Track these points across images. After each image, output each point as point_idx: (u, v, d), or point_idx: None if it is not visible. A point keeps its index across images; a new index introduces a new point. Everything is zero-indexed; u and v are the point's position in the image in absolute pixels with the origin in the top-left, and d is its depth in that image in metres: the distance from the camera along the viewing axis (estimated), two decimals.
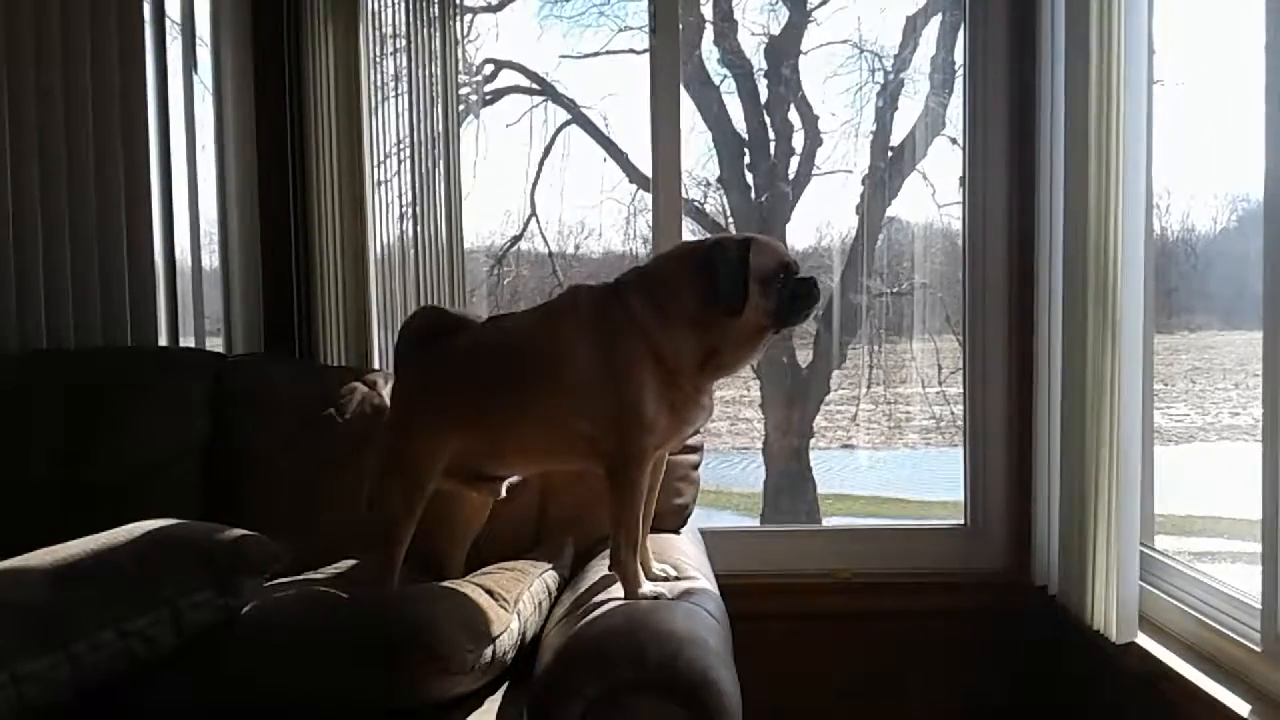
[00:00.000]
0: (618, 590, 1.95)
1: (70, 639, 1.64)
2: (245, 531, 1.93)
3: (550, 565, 2.15)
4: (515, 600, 1.93)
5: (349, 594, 2.04)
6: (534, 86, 3.55)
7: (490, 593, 1.91)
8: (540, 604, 2.03)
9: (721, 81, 3.56)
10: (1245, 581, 2.13)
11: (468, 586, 1.92)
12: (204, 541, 1.89)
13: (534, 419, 2.03)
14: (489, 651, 1.78)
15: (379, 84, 2.83)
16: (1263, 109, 1.92)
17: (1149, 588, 2.39)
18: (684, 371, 1.94)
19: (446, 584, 1.96)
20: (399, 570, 2.13)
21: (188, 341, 2.97)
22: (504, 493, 2.25)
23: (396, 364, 2.26)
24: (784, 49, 3.53)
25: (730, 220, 3.63)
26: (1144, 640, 2.29)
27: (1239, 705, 1.94)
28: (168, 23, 2.90)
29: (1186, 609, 2.28)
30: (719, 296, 1.90)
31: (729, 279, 1.89)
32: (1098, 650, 2.37)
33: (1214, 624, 2.18)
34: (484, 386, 2.07)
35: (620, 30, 3.44)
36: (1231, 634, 2.11)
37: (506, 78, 3.53)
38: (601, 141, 3.53)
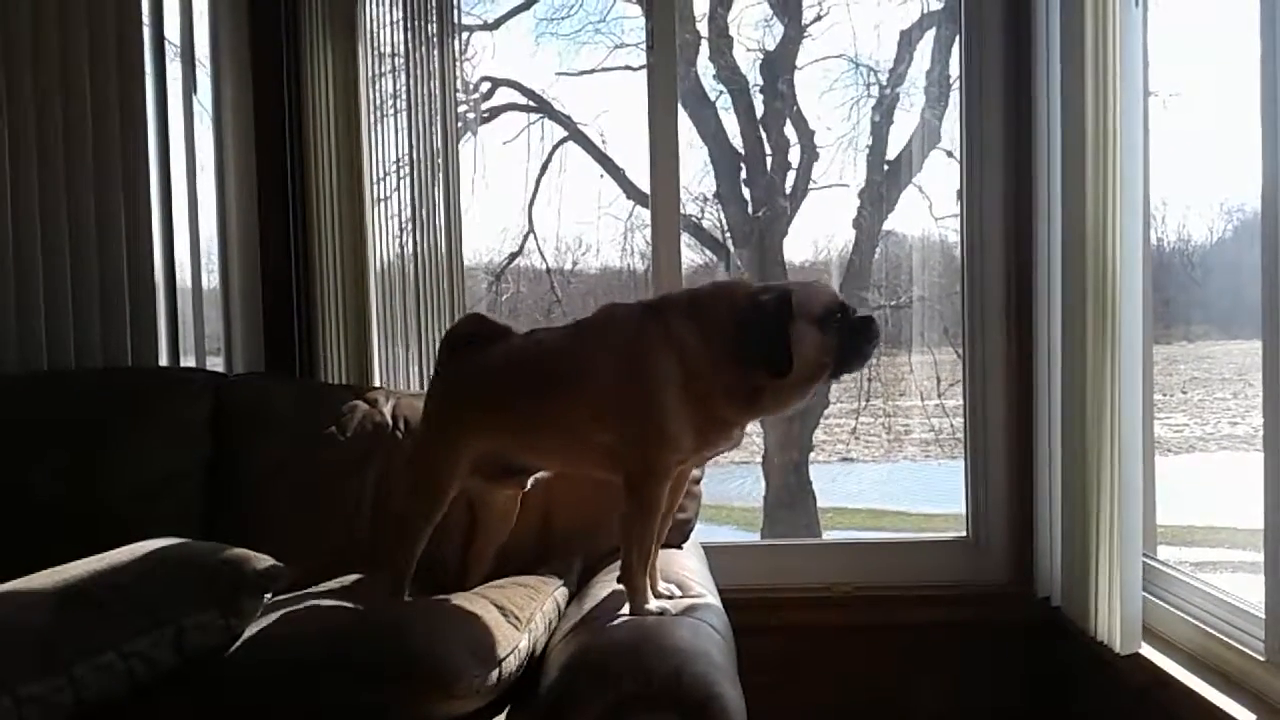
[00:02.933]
0: (623, 606, 1.95)
1: (72, 661, 1.63)
2: (247, 551, 1.92)
3: (561, 581, 2.15)
4: (528, 619, 1.92)
5: (355, 612, 2.04)
6: (531, 104, 3.57)
7: (501, 609, 1.90)
8: (550, 621, 2.03)
9: (718, 97, 3.58)
10: (1248, 591, 2.13)
11: (479, 603, 1.91)
12: (206, 561, 1.89)
13: (559, 428, 2.04)
14: (496, 673, 1.77)
15: (377, 102, 2.84)
16: (1258, 119, 1.93)
17: (1152, 598, 2.39)
18: (716, 396, 1.90)
19: (458, 598, 1.95)
20: (410, 577, 2.13)
21: (188, 361, 2.96)
22: (529, 485, 2.26)
23: (436, 366, 2.30)
24: (779, 64, 3.55)
25: (728, 235, 3.64)
26: (1147, 650, 2.29)
27: (1243, 714, 1.94)
28: (167, 45, 2.90)
29: (1189, 619, 2.28)
30: (753, 359, 1.85)
31: (768, 341, 1.84)
32: (1101, 661, 2.36)
33: (1217, 634, 2.18)
34: (515, 394, 2.08)
35: (616, 47, 3.47)
36: (1235, 643, 2.11)
37: (504, 95, 3.56)
38: (599, 158, 3.55)
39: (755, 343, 1.85)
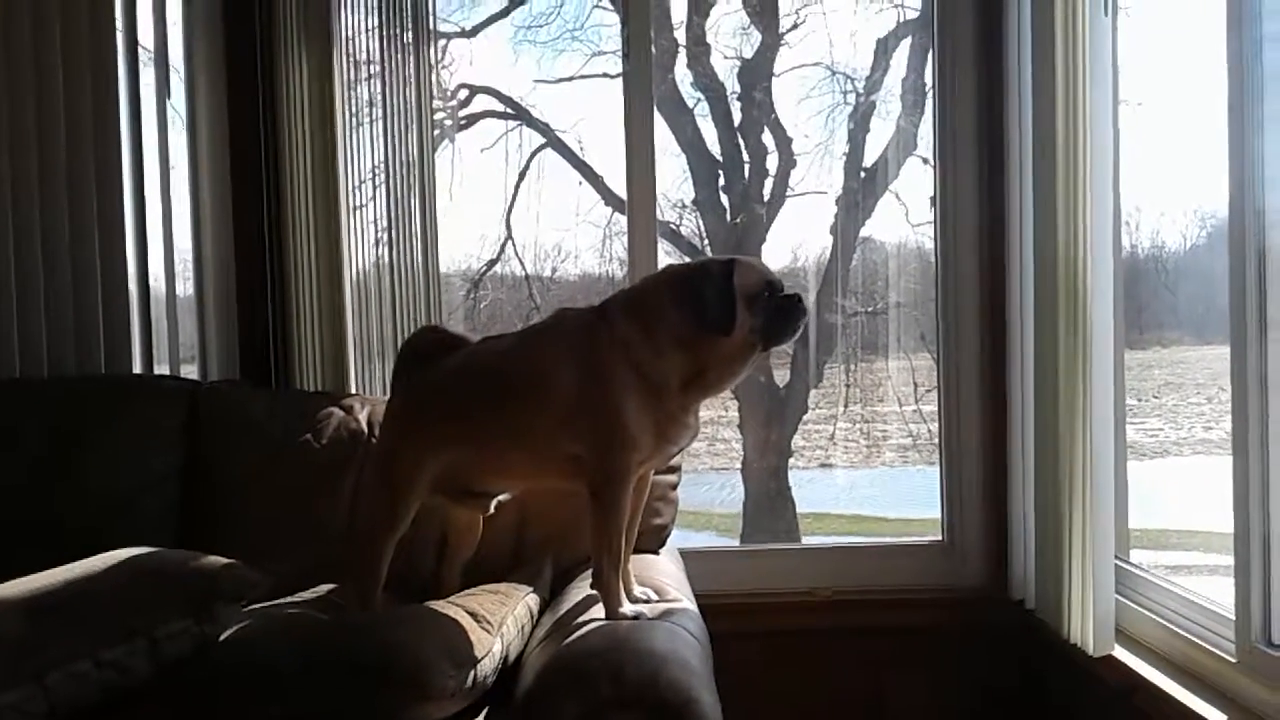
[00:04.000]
0: (598, 611, 1.95)
1: (45, 670, 1.62)
2: (222, 559, 1.92)
3: (532, 588, 2.15)
4: (499, 624, 1.92)
5: (329, 618, 2.03)
6: (509, 111, 3.56)
7: (474, 615, 1.90)
8: (523, 627, 2.03)
9: (695, 105, 3.59)
10: (1220, 593, 2.15)
11: (451, 609, 1.91)
12: (180, 569, 1.88)
13: (519, 438, 2.05)
14: (471, 675, 1.77)
15: (353, 110, 2.83)
16: (1225, 127, 1.95)
17: (1125, 601, 2.41)
18: (669, 391, 1.96)
19: (429, 605, 1.95)
20: (379, 590, 2.13)
21: (162, 369, 2.94)
22: (492, 509, 2.26)
23: (393, 380, 2.30)
24: (756, 72, 3.56)
25: (706, 242, 3.65)
26: (1120, 653, 2.31)
27: (1215, 715, 1.96)
28: (140, 50, 2.89)
29: (1162, 621, 2.30)
30: (708, 320, 1.92)
31: (716, 302, 1.91)
32: (1075, 663, 2.38)
33: (1189, 636, 2.20)
34: (471, 405, 2.09)
35: (594, 55, 3.47)
36: (1207, 645, 2.13)
37: (481, 102, 3.55)
38: (577, 165, 3.55)
39: (703, 302, 1.91)
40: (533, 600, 2.11)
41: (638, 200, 2.98)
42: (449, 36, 3.38)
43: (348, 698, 1.69)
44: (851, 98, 3.55)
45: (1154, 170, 2.73)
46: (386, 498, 2.15)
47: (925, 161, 3.30)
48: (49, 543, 2.01)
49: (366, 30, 2.82)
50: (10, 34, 2.62)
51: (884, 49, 3.46)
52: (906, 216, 3.51)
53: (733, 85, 3.57)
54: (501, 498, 2.26)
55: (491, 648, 1.85)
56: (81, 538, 2.04)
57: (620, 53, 2.98)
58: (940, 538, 3.06)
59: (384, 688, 1.68)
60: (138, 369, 2.80)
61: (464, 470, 2.14)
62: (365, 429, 2.51)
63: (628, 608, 1.95)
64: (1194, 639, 2.18)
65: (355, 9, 2.81)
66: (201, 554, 1.94)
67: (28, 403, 2.51)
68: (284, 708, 1.71)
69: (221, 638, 1.83)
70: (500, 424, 2.05)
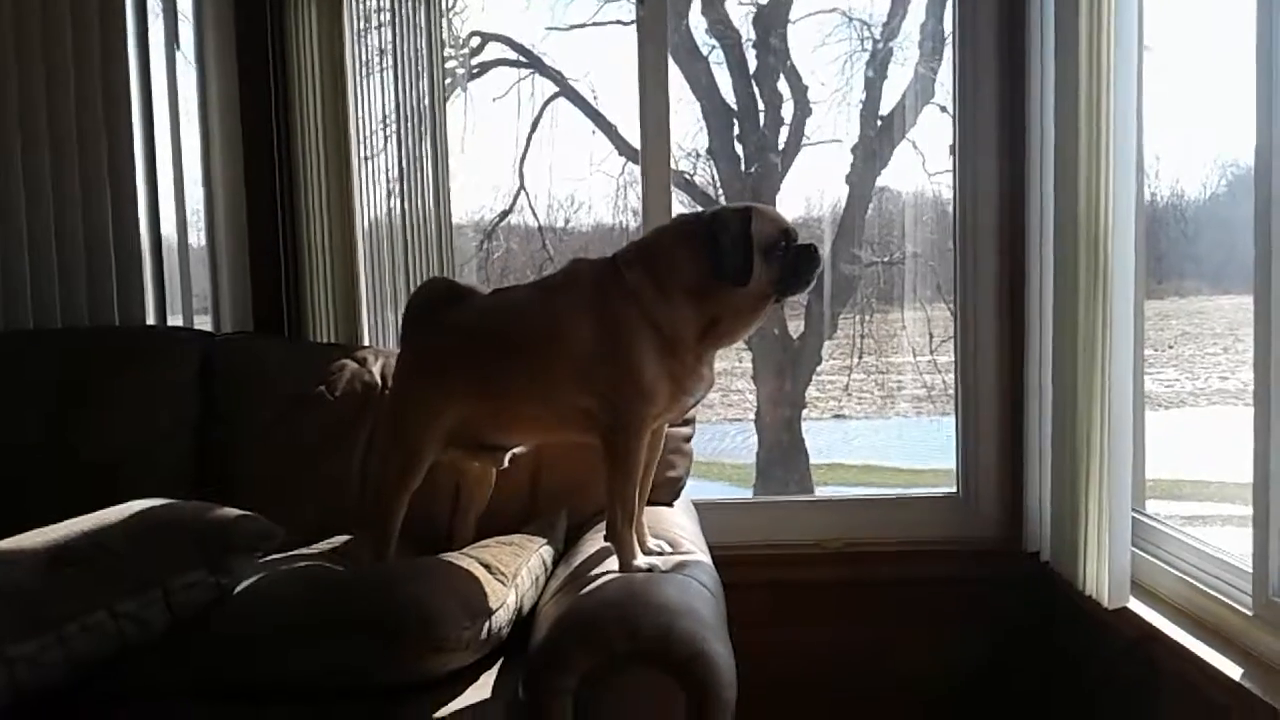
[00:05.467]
0: (612, 563, 1.96)
1: (62, 621, 1.64)
2: (237, 510, 1.93)
3: (546, 540, 2.15)
4: (514, 575, 1.93)
5: (343, 570, 2.04)
6: (521, 59, 3.52)
7: (488, 567, 1.91)
8: (537, 578, 2.04)
9: (710, 52, 3.54)
10: (1236, 545, 2.14)
11: (465, 560, 1.92)
12: (195, 521, 1.89)
13: (532, 391, 2.04)
14: (485, 627, 1.78)
15: (364, 59, 2.80)
16: (1253, 74, 1.91)
17: (1140, 553, 2.40)
18: (683, 342, 1.95)
19: (443, 558, 1.95)
20: (394, 543, 2.14)
21: (175, 320, 2.95)
22: (506, 463, 2.26)
23: (402, 334, 2.28)
24: (772, 18, 3.51)
25: (720, 191, 3.62)
26: (1136, 605, 2.30)
27: (1230, 668, 1.96)
28: (149, 0, 2.86)
29: (1178, 573, 2.29)
30: (724, 270, 1.91)
31: (733, 251, 1.90)
32: (1090, 616, 2.38)
33: (1205, 588, 2.19)
34: (483, 359, 2.08)
35: (607, 1, 3.42)
36: (1223, 598, 2.12)
37: (493, 50, 3.51)
38: (590, 114, 3.51)
39: (720, 253, 1.91)
40: (546, 552, 2.12)
41: (651, 150, 2.95)
42: None
43: (363, 651, 1.70)
44: (869, 44, 3.50)
45: (1175, 118, 2.68)
46: (398, 453, 2.15)
47: (943, 110, 3.25)
48: (63, 495, 2.02)
49: None
50: None
51: None
52: (923, 165, 3.47)
53: (748, 32, 3.52)
54: (515, 451, 2.26)
55: (506, 599, 1.86)
56: (95, 490, 2.05)
57: None
58: (954, 489, 3.05)
59: (398, 640, 1.69)
60: (151, 321, 2.80)
61: (477, 424, 2.13)
62: (379, 381, 2.50)
63: (641, 560, 1.95)
64: (1210, 591, 2.17)
65: None
66: (216, 506, 1.95)
67: (41, 355, 2.52)
68: (299, 664, 1.72)
69: (236, 590, 1.84)
70: (514, 378, 2.04)
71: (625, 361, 1.92)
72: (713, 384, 2.07)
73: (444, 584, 1.82)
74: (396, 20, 2.80)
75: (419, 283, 2.79)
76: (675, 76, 3.07)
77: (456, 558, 1.95)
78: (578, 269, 2.07)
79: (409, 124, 2.81)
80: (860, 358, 3.79)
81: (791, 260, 1.95)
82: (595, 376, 1.95)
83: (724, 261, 1.90)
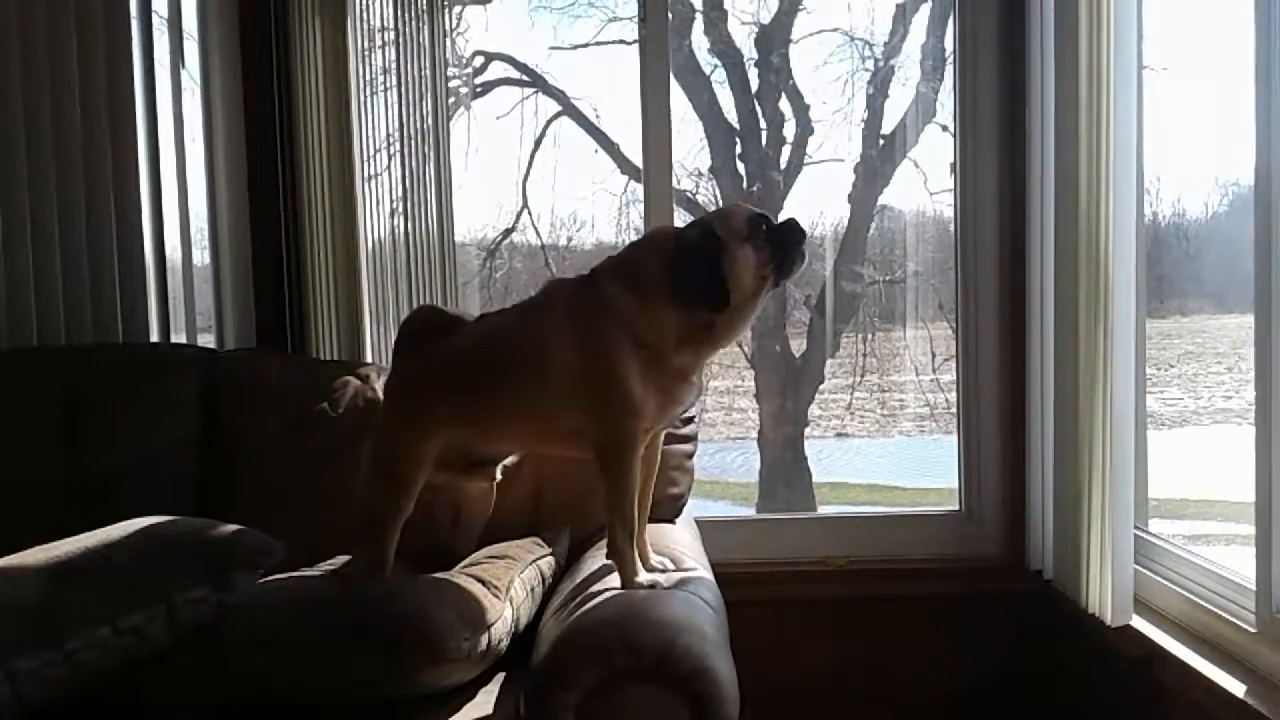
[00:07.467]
0: (615, 579, 1.95)
1: (66, 636, 1.63)
2: (239, 527, 1.93)
3: (548, 550, 2.15)
4: (506, 588, 1.93)
5: (344, 586, 2.04)
6: (524, 78, 3.54)
7: (481, 581, 1.90)
8: (533, 589, 2.03)
9: (712, 71, 3.56)
10: (1239, 563, 2.14)
11: (459, 576, 1.92)
12: (198, 538, 1.89)
13: (520, 412, 2.04)
14: (484, 639, 1.78)
15: (368, 78, 2.82)
16: (1253, 92, 1.92)
17: (1144, 571, 2.40)
18: (668, 350, 1.93)
19: (437, 575, 1.95)
20: (390, 565, 2.13)
21: (179, 338, 2.95)
22: (499, 475, 2.25)
23: (392, 362, 2.28)
24: (774, 38, 3.53)
25: None
26: (1139, 623, 2.29)
27: (1234, 686, 1.95)
28: (154, 18, 2.88)
29: (1181, 591, 2.29)
30: (696, 299, 1.90)
31: (701, 278, 1.89)
32: (1093, 633, 2.37)
33: (1208, 606, 2.19)
34: (469, 383, 2.07)
35: (610, 21, 3.44)
36: (1226, 615, 2.12)
37: (497, 69, 3.53)
38: (593, 133, 3.53)
39: (689, 282, 1.89)
40: (545, 564, 2.12)
41: (654, 168, 2.96)
42: (464, 2, 3.35)
43: (364, 662, 1.70)
44: (870, 64, 3.52)
45: (1176, 137, 2.69)
46: (387, 481, 2.13)
47: (944, 128, 3.27)
48: (67, 511, 2.01)
49: None
50: (24, 2, 2.60)
51: (903, 14, 3.42)
52: (925, 184, 3.48)
53: (750, 51, 3.54)
54: (506, 462, 2.26)
55: (503, 612, 1.86)
56: (99, 506, 2.05)
57: (637, 18, 2.95)
58: (958, 507, 3.05)
59: (399, 651, 1.68)
60: (154, 338, 2.81)
61: (466, 444, 2.14)
62: (381, 398, 2.50)
63: (643, 576, 1.94)
64: (1214, 609, 2.17)
65: None
66: (219, 522, 1.95)
67: (45, 371, 2.52)
68: (301, 678, 1.72)
69: (238, 606, 1.84)
70: (500, 400, 2.04)
71: (610, 377, 1.91)
72: (702, 391, 2.06)
73: (441, 596, 1.81)
74: (401, 40, 2.82)
75: (422, 300, 2.81)
76: (678, 96, 3.09)
77: (450, 574, 1.95)
78: (555, 288, 2.07)
79: (413, 143, 2.83)
80: (863, 376, 3.79)
81: (777, 239, 1.93)
82: (581, 394, 1.94)
83: (693, 291, 1.89)
